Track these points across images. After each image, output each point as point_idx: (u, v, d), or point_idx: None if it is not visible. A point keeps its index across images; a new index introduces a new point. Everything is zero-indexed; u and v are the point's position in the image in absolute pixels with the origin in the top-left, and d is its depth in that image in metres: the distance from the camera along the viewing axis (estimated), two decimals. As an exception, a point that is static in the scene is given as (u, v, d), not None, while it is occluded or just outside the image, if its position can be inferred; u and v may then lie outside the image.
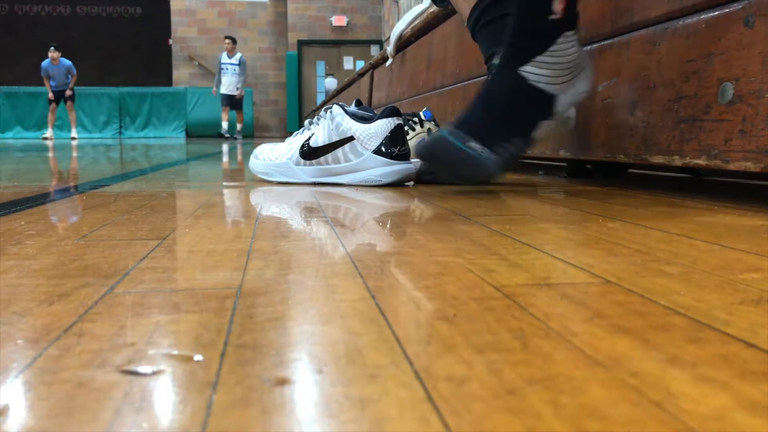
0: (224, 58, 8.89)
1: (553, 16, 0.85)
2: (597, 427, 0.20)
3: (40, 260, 0.47)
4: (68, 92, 8.70)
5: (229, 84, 8.83)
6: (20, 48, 12.33)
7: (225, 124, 8.93)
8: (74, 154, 3.11)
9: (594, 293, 0.37)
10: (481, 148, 0.89)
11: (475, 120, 0.91)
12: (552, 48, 0.87)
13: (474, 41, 1.06)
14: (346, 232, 0.61)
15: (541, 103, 0.89)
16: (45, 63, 8.60)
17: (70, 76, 8.65)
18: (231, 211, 0.77)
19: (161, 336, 0.30)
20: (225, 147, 4.36)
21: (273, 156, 1.19)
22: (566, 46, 0.87)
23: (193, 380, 0.24)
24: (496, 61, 0.92)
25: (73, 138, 8.63)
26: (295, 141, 1.17)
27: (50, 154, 2.98)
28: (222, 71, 8.88)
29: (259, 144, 1.33)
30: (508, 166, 0.91)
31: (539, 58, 0.87)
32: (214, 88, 9.12)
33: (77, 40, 12.38)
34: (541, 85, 0.88)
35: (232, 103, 8.88)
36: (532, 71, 0.88)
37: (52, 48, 8.55)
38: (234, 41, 8.87)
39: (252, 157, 1.24)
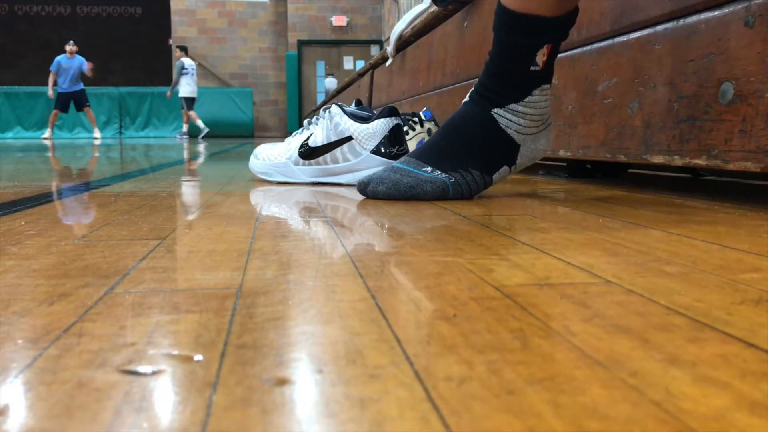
0: None
1: (534, 68, 0.84)
2: (597, 427, 0.20)
3: (40, 260, 0.47)
4: (89, 70, 8.42)
5: None
6: (20, 48, 12.33)
7: (199, 122, 9.10)
8: (74, 154, 3.11)
9: (594, 293, 0.37)
10: (433, 170, 0.87)
11: (434, 149, 0.89)
12: (527, 99, 0.86)
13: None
14: (346, 232, 0.61)
15: (507, 148, 0.88)
16: (59, 57, 8.47)
17: (80, 74, 8.52)
18: (231, 211, 0.77)
19: (161, 336, 0.30)
20: (223, 148, 4.36)
21: (272, 156, 1.19)
22: (540, 99, 0.86)
23: (193, 380, 0.25)
24: (466, 98, 0.90)
25: (96, 138, 8.47)
26: (294, 141, 1.17)
27: (50, 154, 2.98)
28: None
29: (259, 144, 1.33)
30: (462, 193, 0.87)
31: (513, 106, 0.86)
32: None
33: (77, 40, 12.38)
34: (510, 132, 0.87)
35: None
36: (504, 116, 0.87)
37: (72, 42, 8.47)
38: (180, 49, 9.16)
39: (252, 157, 1.24)
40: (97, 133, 8.73)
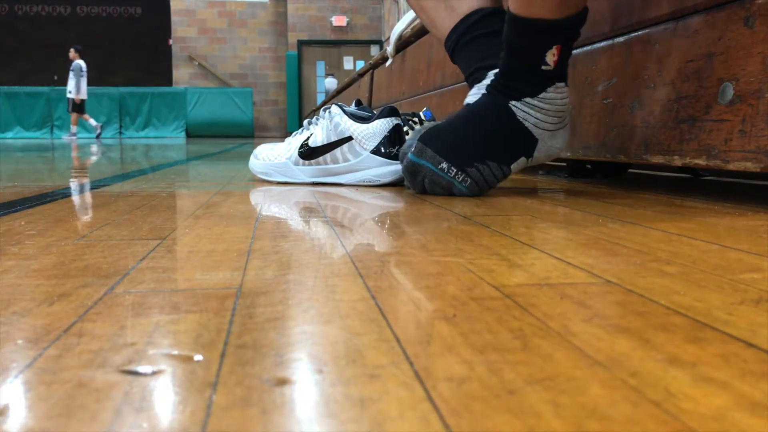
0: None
1: (545, 67, 0.87)
2: (597, 427, 0.20)
3: (40, 260, 0.47)
4: None
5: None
6: (20, 48, 12.33)
7: (92, 121, 9.08)
8: (74, 153, 3.11)
9: (594, 293, 0.37)
10: (449, 167, 0.88)
11: (450, 141, 0.90)
12: (542, 95, 0.88)
13: (452, 60, 1.04)
14: (346, 232, 0.61)
15: (525, 141, 0.90)
16: None
17: None
18: (231, 211, 0.77)
19: (161, 336, 0.30)
20: (223, 148, 4.36)
21: (272, 156, 1.19)
22: (556, 96, 0.89)
23: (193, 380, 0.25)
24: (486, 80, 0.92)
25: None
26: (294, 141, 1.17)
27: (50, 154, 2.98)
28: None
29: (259, 144, 1.34)
30: (480, 190, 0.89)
31: (529, 99, 0.88)
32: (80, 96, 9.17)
33: (77, 40, 12.37)
34: (527, 125, 0.89)
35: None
36: (521, 108, 0.88)
37: None
38: (75, 50, 9.10)
39: (252, 157, 1.24)
40: None
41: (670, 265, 0.44)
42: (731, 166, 0.73)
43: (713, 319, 0.31)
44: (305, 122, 1.19)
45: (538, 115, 0.89)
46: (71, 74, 8.98)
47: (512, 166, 0.90)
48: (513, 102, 0.88)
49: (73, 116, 9.11)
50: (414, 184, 0.93)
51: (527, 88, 0.88)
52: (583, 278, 0.40)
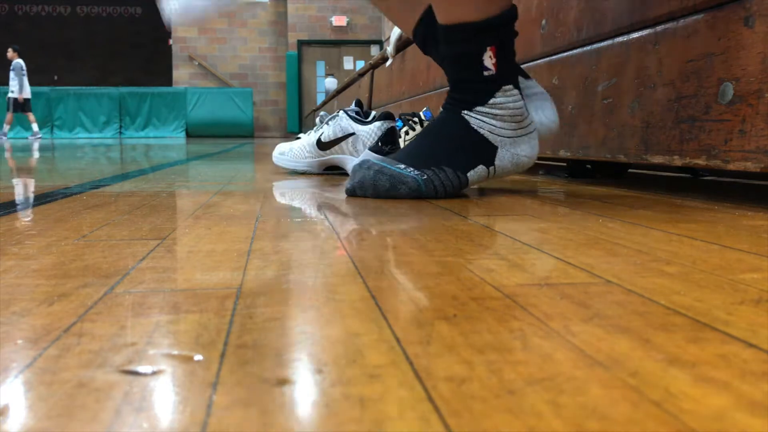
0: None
1: (487, 73, 0.86)
2: (597, 427, 0.20)
3: (40, 260, 0.47)
4: None
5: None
6: (20, 48, 12.32)
7: (35, 126, 9.00)
8: (74, 154, 3.11)
9: (594, 293, 0.37)
10: (406, 167, 0.87)
11: (408, 151, 0.90)
12: (491, 101, 0.87)
13: (425, 53, 1.06)
14: (346, 232, 0.61)
15: (482, 148, 0.88)
16: None
17: None
18: (231, 211, 0.77)
19: (161, 336, 0.30)
20: (223, 148, 4.35)
21: (296, 150, 1.46)
22: (507, 100, 0.87)
23: (193, 380, 0.25)
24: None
25: None
26: (310, 137, 1.43)
27: (51, 155, 2.98)
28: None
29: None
30: (435, 190, 0.86)
31: (480, 108, 0.88)
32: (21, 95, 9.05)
33: (77, 40, 12.38)
34: (483, 132, 0.88)
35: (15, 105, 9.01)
36: (474, 117, 0.88)
37: None
38: (13, 49, 9.07)
39: (277, 154, 1.51)
40: None
41: (670, 265, 0.44)
42: (731, 166, 0.73)
43: (713, 319, 0.31)
44: (317, 120, 1.45)
45: (493, 122, 0.87)
46: (12, 74, 8.88)
47: (469, 174, 0.88)
48: (465, 112, 0.88)
49: (9, 116, 8.95)
50: (374, 185, 0.88)
51: (475, 96, 0.88)
52: (583, 278, 0.40)
